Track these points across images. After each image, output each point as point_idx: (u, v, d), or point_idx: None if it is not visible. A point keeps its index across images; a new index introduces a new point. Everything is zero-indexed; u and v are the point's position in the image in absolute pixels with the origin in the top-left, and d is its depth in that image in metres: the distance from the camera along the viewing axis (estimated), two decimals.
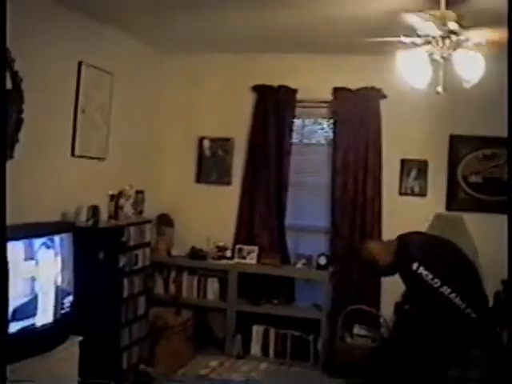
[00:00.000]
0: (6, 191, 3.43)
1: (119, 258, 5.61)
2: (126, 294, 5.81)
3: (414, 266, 4.80)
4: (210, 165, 7.54)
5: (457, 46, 4.56)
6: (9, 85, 4.69)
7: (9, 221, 4.24)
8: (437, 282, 4.74)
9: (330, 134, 7.24)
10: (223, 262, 7.14)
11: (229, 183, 7.49)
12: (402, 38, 4.70)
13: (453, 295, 4.72)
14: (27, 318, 4.29)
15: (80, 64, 5.70)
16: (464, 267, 5.07)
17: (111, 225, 5.80)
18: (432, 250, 5.05)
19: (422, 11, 4.47)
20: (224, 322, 7.08)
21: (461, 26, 4.50)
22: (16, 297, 4.13)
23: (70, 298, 4.81)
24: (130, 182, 6.39)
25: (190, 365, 6.67)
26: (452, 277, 4.85)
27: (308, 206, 7.47)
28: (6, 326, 3.68)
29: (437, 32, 4.53)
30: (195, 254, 7.21)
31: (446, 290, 4.72)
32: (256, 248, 7.20)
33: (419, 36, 4.63)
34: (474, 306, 4.78)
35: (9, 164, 4.61)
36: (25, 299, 4.26)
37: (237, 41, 6.67)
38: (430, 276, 4.76)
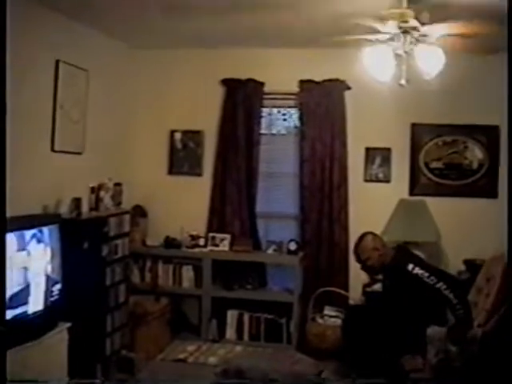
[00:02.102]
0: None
1: (102, 247, 5.84)
2: (108, 282, 6.02)
3: (410, 266, 5.29)
4: (182, 157, 7.75)
5: (418, 41, 4.87)
6: None
7: None
8: (433, 280, 5.20)
9: (297, 125, 7.51)
10: (197, 250, 7.36)
11: (200, 174, 7.71)
12: (367, 36, 4.99)
13: (447, 291, 5.18)
14: (20, 305, 4.52)
15: (57, 62, 5.89)
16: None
17: (93, 216, 6.01)
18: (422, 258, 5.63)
19: (385, 10, 4.78)
20: (199, 307, 7.33)
21: (420, 22, 4.81)
22: (11, 286, 4.36)
23: (59, 286, 5.05)
24: (106, 175, 6.57)
25: (168, 350, 6.90)
26: (442, 276, 5.33)
27: (277, 194, 7.72)
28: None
29: (398, 29, 4.83)
30: (170, 243, 7.42)
31: (441, 285, 5.20)
32: (228, 236, 7.43)
33: (382, 33, 4.93)
34: (463, 302, 5.21)
35: None
36: (18, 288, 4.49)
37: (206, 36, 6.84)
38: (426, 274, 5.23)
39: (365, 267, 5.75)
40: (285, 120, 7.72)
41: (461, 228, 6.88)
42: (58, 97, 5.94)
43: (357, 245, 5.68)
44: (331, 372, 6.00)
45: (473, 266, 6.34)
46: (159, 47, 7.42)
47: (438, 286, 5.22)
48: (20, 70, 5.24)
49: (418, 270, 5.31)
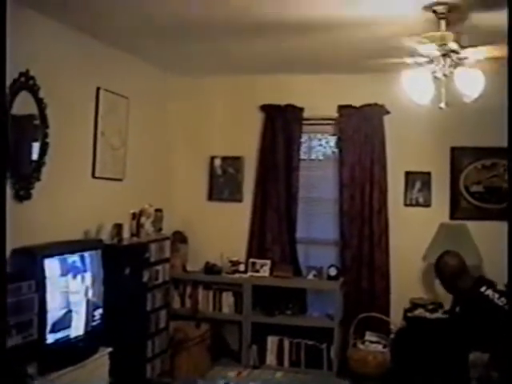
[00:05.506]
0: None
1: (143, 273, 5.88)
2: (148, 307, 6.05)
3: (483, 288, 5.30)
4: (222, 183, 7.80)
5: (457, 64, 4.85)
6: (34, 110, 4.97)
7: (39, 239, 4.59)
8: (503, 301, 5.20)
9: (337, 150, 7.52)
10: (237, 275, 7.36)
11: (240, 200, 7.74)
12: (406, 59, 5.00)
13: None
14: (63, 329, 4.58)
15: (98, 89, 5.97)
16: None
17: (134, 242, 6.05)
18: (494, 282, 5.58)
19: (423, 33, 4.77)
20: (239, 333, 7.31)
21: (460, 45, 4.80)
22: (54, 310, 4.43)
23: (100, 311, 5.09)
24: (147, 201, 6.61)
25: (208, 376, 6.89)
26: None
27: (317, 220, 7.71)
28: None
29: (437, 52, 4.82)
30: (210, 269, 7.43)
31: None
32: (268, 261, 7.43)
33: (421, 56, 4.92)
34: None
35: (37, 186, 4.93)
36: (61, 312, 4.54)
37: (245, 63, 6.92)
38: (497, 295, 5.23)
39: (448, 283, 5.70)
40: (320, 145, 7.72)
41: (503, 252, 6.74)
42: (99, 124, 6.01)
43: (441, 259, 5.60)
44: None
45: None
46: (199, 74, 7.50)
47: (506, 307, 5.21)
48: (61, 96, 5.33)
49: (489, 292, 5.31)
